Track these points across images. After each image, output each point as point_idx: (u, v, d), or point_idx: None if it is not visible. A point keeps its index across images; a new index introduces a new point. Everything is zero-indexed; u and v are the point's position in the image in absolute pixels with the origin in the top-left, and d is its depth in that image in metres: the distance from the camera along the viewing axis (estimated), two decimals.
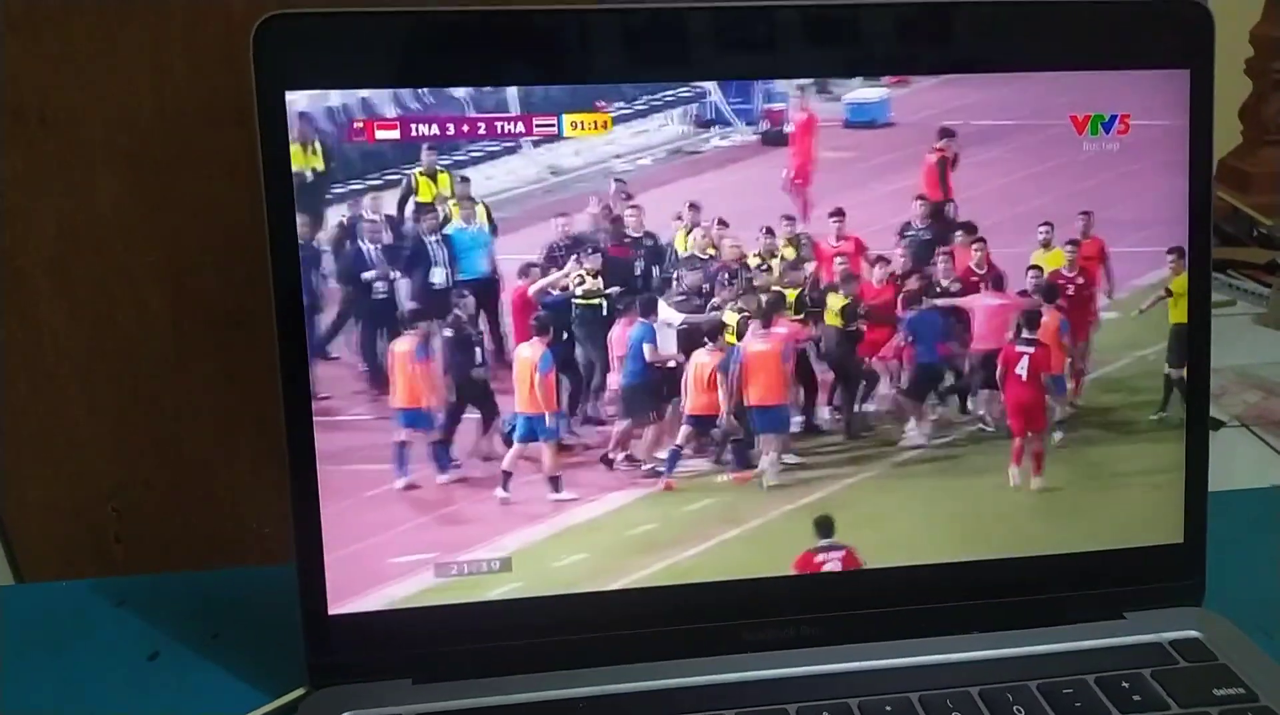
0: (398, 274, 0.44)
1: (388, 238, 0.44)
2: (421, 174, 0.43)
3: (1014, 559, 0.50)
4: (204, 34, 0.56)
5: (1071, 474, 0.51)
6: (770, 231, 0.44)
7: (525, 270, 0.45)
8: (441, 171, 0.43)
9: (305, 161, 0.44)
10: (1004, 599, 0.50)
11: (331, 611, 0.47)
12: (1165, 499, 0.51)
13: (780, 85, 0.41)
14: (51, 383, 0.62)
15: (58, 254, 0.59)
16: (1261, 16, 1.37)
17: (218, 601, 0.55)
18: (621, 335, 0.46)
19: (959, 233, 0.47)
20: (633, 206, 0.43)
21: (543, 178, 0.41)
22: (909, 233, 0.46)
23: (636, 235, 0.44)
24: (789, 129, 0.42)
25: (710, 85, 0.40)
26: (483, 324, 0.45)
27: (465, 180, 0.43)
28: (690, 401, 0.46)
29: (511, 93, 0.42)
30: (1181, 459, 0.51)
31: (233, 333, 0.61)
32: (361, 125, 0.45)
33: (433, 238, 0.44)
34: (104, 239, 0.59)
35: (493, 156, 0.41)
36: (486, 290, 0.44)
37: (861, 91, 0.43)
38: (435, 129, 0.45)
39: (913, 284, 0.47)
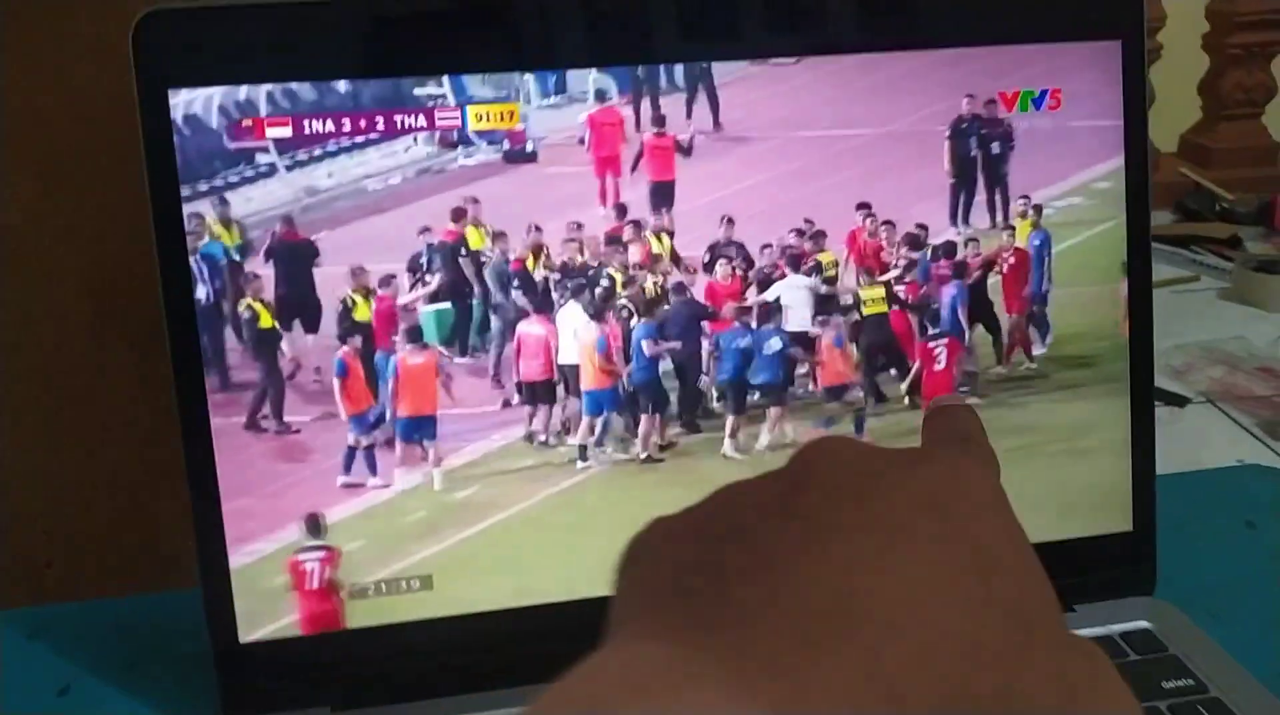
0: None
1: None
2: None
3: None
4: (106, 30, 0.53)
5: (1015, 464, 0.49)
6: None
7: (386, 281, 0.45)
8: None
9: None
10: None
11: (243, 639, 0.44)
12: (1112, 486, 0.49)
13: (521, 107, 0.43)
14: None
15: None
16: None
17: (135, 629, 0.53)
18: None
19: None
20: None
21: (299, 198, 0.43)
22: None
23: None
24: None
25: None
26: None
27: (225, 203, 0.43)
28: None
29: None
30: (1127, 445, 0.49)
31: (155, 342, 0.58)
32: (251, 124, 0.42)
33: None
34: (19, 248, 0.57)
35: (249, 180, 0.42)
36: None
37: None
38: (331, 125, 0.43)
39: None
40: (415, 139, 0.43)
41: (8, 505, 0.61)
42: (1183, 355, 1.05)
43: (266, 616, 0.44)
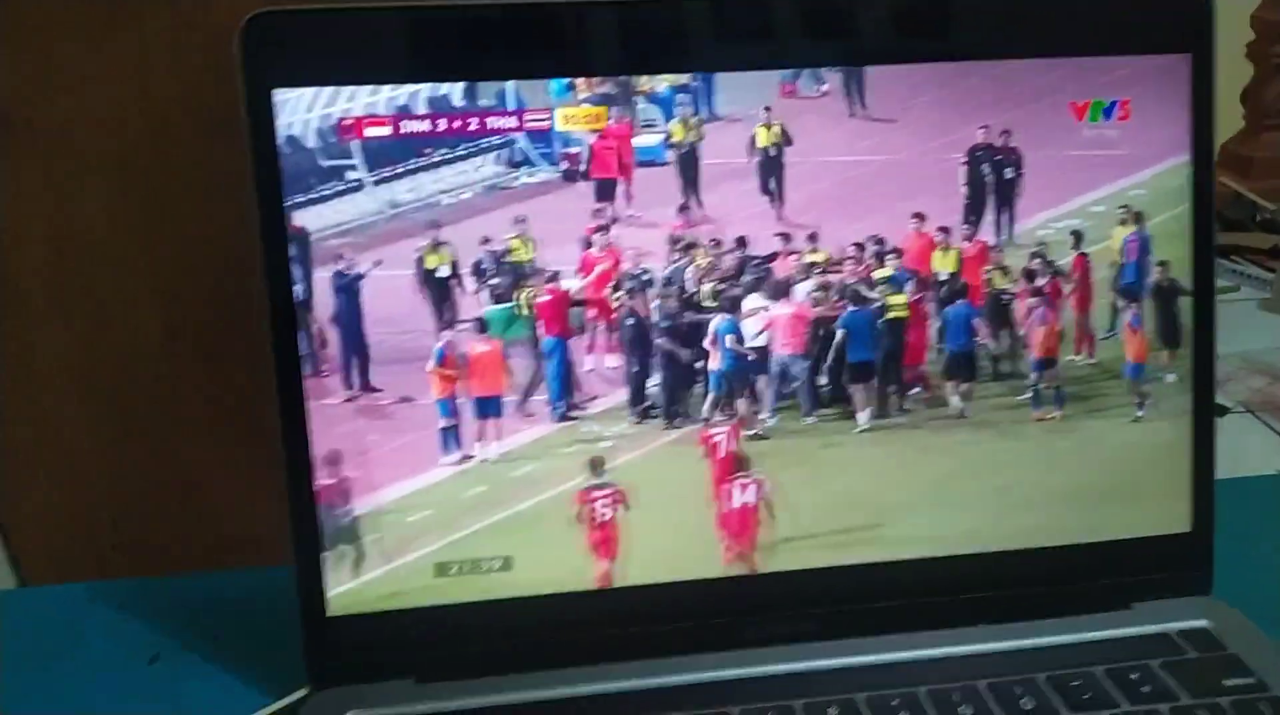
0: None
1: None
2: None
3: (1020, 551, 0.50)
4: (188, 42, 0.55)
5: (1076, 464, 0.50)
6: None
7: (553, 278, 0.49)
8: None
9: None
10: (1011, 591, 0.49)
11: (330, 613, 0.46)
12: (1171, 488, 0.50)
13: (576, 134, 0.47)
14: (47, 393, 0.61)
15: (51, 266, 0.59)
16: (1262, 0, 1.36)
17: (219, 603, 0.55)
18: None
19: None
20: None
21: (382, 210, 0.47)
22: None
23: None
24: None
25: (520, 134, 0.47)
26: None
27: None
28: None
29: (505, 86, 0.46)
30: (1188, 447, 0.50)
31: (224, 340, 0.60)
32: (351, 123, 0.44)
33: None
34: (96, 250, 0.59)
35: (339, 194, 0.46)
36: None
37: None
38: (427, 125, 0.45)
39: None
40: (485, 159, 0.48)
41: (81, 493, 0.63)
42: (1223, 366, 1.05)
43: (354, 591, 0.46)
